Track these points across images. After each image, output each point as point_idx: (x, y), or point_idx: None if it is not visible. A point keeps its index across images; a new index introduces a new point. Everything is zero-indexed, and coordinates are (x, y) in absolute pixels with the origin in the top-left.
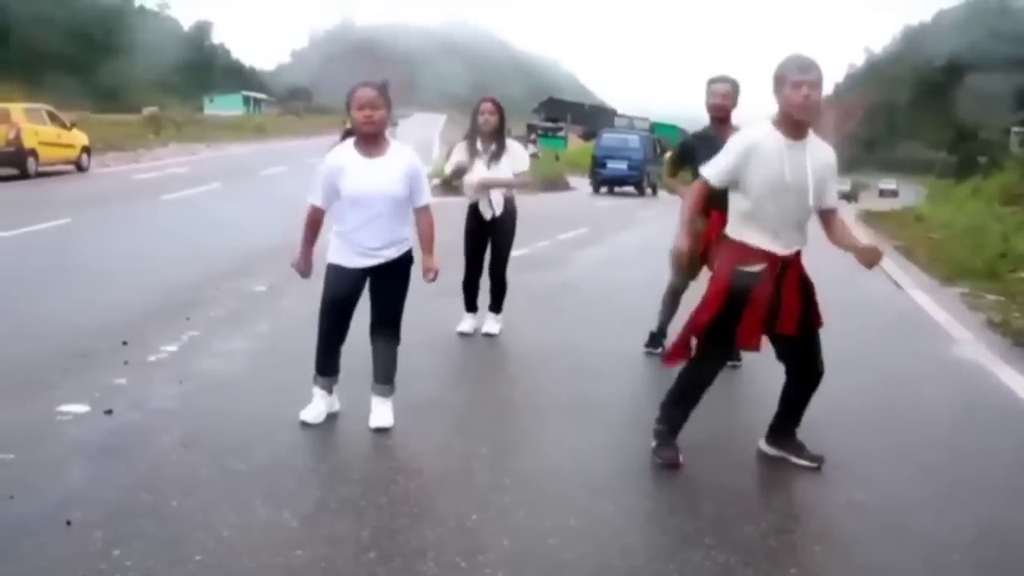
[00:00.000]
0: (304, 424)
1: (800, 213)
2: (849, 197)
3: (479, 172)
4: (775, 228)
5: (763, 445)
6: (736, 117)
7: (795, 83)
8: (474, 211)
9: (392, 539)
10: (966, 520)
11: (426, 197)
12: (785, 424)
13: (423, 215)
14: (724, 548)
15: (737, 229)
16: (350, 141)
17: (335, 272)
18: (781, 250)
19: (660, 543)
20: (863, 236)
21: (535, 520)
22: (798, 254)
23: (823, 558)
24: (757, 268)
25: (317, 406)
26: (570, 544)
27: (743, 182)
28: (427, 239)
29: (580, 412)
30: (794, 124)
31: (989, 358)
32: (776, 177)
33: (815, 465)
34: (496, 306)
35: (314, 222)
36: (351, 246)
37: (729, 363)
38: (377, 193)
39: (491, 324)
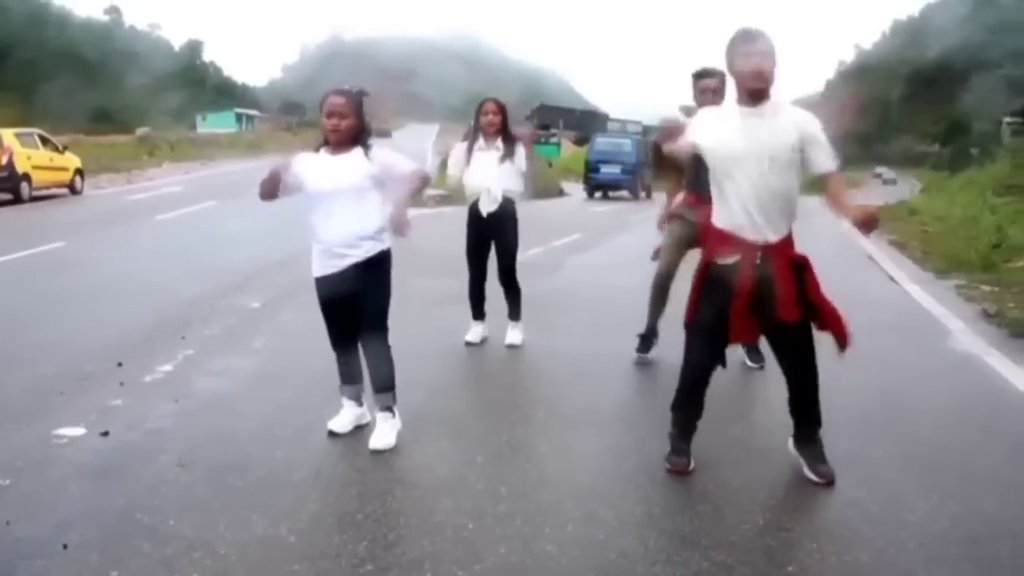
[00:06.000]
0: (331, 433)
1: (766, 187)
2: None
3: (485, 170)
4: (744, 207)
5: (789, 445)
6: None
7: (743, 53)
8: (474, 213)
9: (389, 551)
10: (963, 513)
11: (408, 167)
12: (802, 428)
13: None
14: (721, 548)
15: (715, 213)
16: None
17: (318, 284)
18: (754, 236)
19: (658, 545)
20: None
21: (532, 527)
22: (783, 243)
23: (821, 555)
24: (731, 260)
25: (344, 416)
26: (567, 550)
27: (707, 158)
28: (406, 188)
29: (576, 419)
30: (749, 94)
31: (984, 349)
32: (728, 146)
33: (821, 482)
34: (514, 313)
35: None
36: (323, 250)
37: (753, 365)
38: (334, 184)
39: (512, 334)
